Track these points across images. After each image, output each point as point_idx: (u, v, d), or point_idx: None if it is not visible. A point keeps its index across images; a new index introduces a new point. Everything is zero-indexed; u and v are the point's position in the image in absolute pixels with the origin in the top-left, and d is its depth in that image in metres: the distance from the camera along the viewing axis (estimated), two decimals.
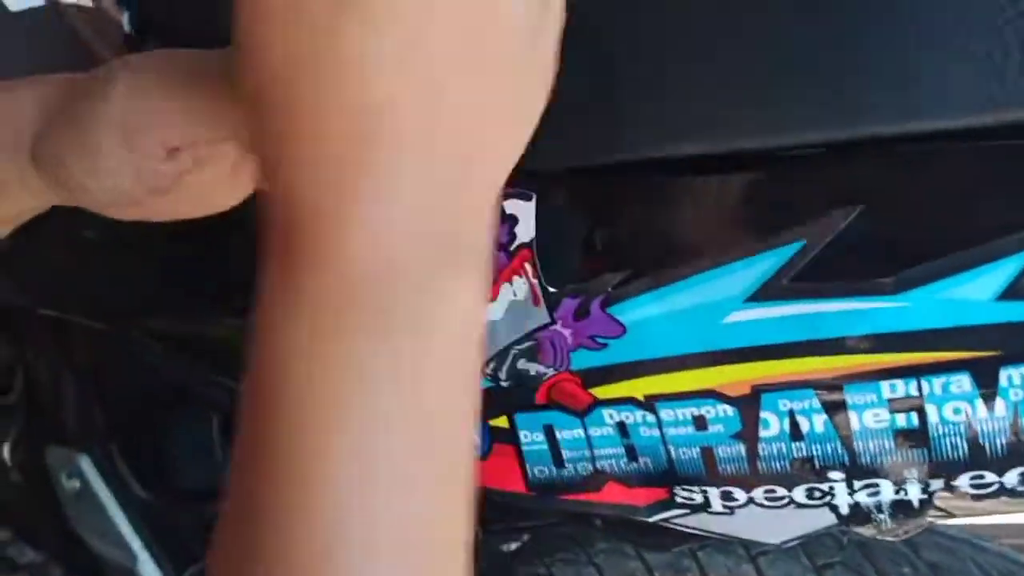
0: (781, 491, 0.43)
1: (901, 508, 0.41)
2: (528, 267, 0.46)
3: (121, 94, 0.40)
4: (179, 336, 0.71)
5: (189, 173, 0.44)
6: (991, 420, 0.39)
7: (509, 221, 0.46)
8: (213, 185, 0.47)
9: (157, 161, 0.42)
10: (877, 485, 0.41)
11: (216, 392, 0.72)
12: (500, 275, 0.47)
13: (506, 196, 0.46)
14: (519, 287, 0.47)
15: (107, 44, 0.84)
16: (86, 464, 0.83)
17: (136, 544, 0.82)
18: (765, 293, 0.41)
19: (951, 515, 0.42)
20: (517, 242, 0.46)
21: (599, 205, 0.46)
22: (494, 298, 0.48)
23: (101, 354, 0.80)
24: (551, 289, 0.46)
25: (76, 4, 0.87)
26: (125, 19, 0.70)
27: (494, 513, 0.54)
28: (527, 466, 0.49)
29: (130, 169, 0.42)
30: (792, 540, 0.44)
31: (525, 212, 0.46)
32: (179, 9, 0.65)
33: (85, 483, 0.83)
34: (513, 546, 0.68)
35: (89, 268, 0.77)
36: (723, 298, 0.42)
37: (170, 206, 0.46)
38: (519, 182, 0.47)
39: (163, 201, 0.45)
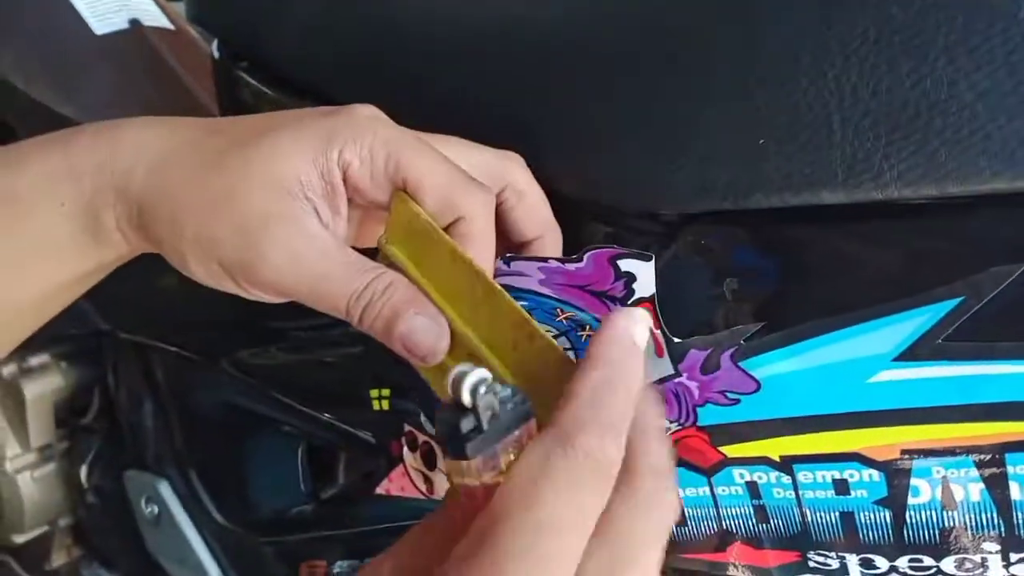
0: (928, 561, 0.41)
1: None
2: (649, 318, 0.44)
3: (275, 265, 0.41)
4: (265, 367, 0.70)
5: None
6: None
7: (626, 277, 0.44)
8: None
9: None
10: None
11: (300, 421, 0.71)
12: None
13: (623, 256, 0.43)
14: (641, 337, 0.45)
15: (193, 69, 0.84)
16: (165, 489, 0.82)
17: (214, 571, 0.82)
18: (917, 352, 0.39)
19: None
20: (635, 296, 0.44)
21: (731, 252, 0.44)
22: None
23: (183, 380, 0.80)
24: (675, 340, 0.44)
25: (159, 27, 0.87)
26: (214, 45, 0.69)
27: None
28: None
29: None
30: None
31: (644, 271, 0.43)
32: (266, 36, 0.64)
33: (164, 508, 0.83)
34: None
35: (174, 296, 0.76)
36: (870, 356, 0.40)
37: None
38: (640, 237, 0.45)
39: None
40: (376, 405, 0.58)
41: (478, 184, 0.44)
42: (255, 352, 0.70)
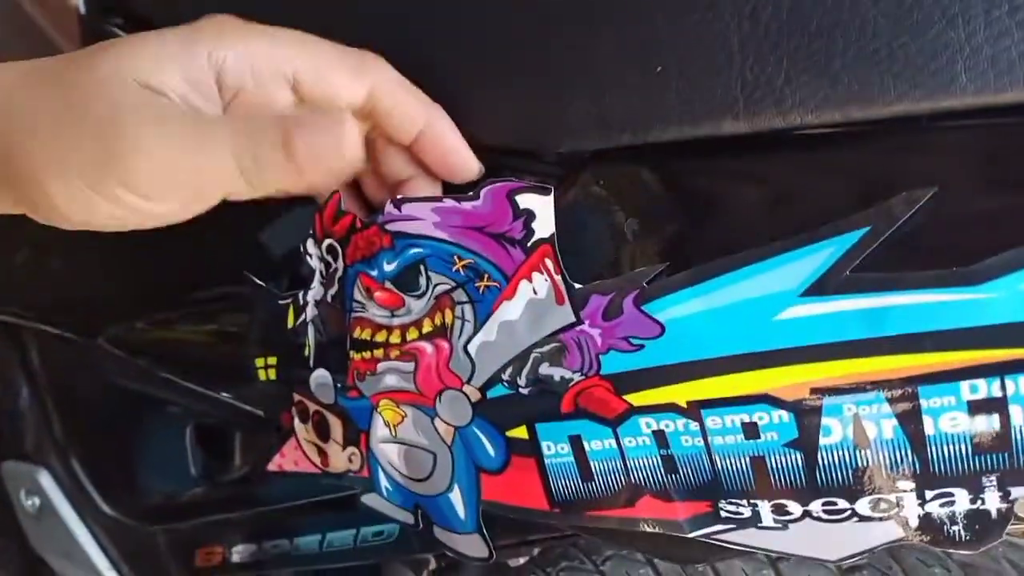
0: (843, 503, 0.39)
1: (978, 519, 0.38)
2: (549, 263, 0.42)
3: (142, 150, 0.38)
4: (147, 342, 0.65)
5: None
6: None
7: (524, 215, 0.41)
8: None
9: (173, 206, 0.41)
10: (951, 494, 0.37)
11: (186, 400, 0.67)
12: (518, 272, 0.42)
13: (521, 190, 0.41)
14: (539, 284, 0.42)
15: (58, 26, 0.79)
16: (46, 480, 0.77)
17: (103, 564, 0.77)
18: (824, 286, 0.37)
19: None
20: (535, 237, 0.42)
21: (629, 192, 0.42)
22: (511, 296, 0.43)
23: (60, 362, 0.74)
24: (576, 286, 0.41)
25: None
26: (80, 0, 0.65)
27: (505, 530, 0.50)
28: (550, 480, 0.44)
29: (136, 213, 0.40)
30: (853, 556, 0.40)
31: (543, 207, 0.41)
32: None
33: (45, 500, 0.77)
34: (521, 560, 0.64)
35: (45, 270, 0.71)
36: (776, 292, 0.38)
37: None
38: (537, 173, 0.43)
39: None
40: (263, 375, 0.54)
41: (367, 52, 0.43)
42: (134, 328, 0.65)
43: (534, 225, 0.41)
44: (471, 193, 0.42)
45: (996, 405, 0.35)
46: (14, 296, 0.74)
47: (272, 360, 0.53)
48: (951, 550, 0.38)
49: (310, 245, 0.49)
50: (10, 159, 0.39)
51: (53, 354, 0.75)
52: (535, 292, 0.42)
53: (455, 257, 0.44)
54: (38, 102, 0.39)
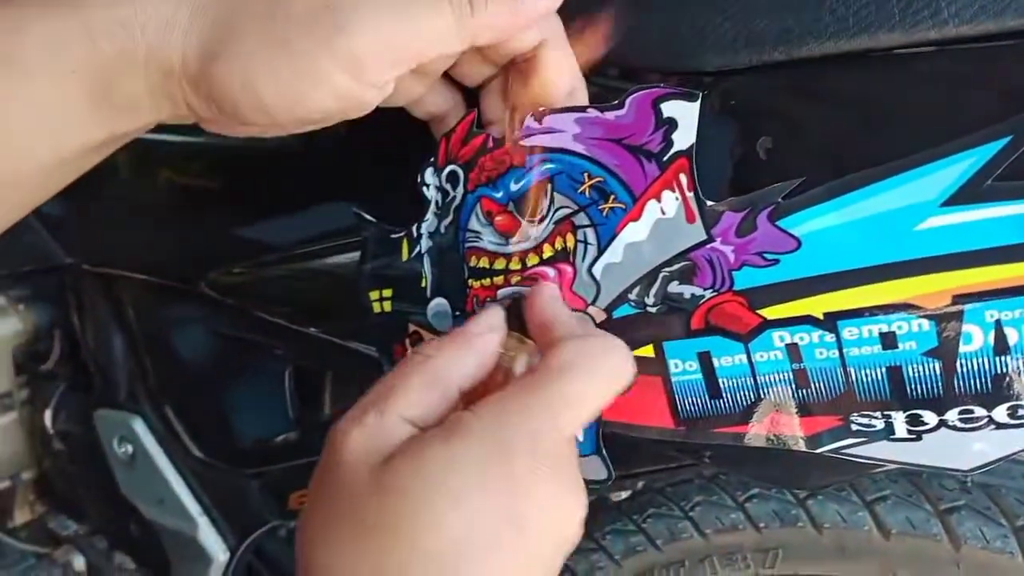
0: (980, 411, 0.40)
1: None
2: (683, 179, 0.42)
3: (359, 27, 0.38)
4: (249, 286, 0.67)
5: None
6: None
7: (667, 125, 0.42)
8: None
9: (376, 91, 0.39)
10: None
11: (290, 342, 0.68)
12: (649, 190, 0.43)
13: (667, 96, 0.42)
14: (668, 203, 0.43)
15: None
16: (139, 427, 0.79)
17: (195, 509, 0.79)
18: (966, 195, 0.38)
19: None
20: (673, 150, 0.42)
21: (763, 108, 0.42)
22: (637, 218, 0.44)
23: (156, 310, 0.76)
24: (708, 203, 0.42)
25: None
26: None
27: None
28: (677, 398, 0.45)
29: (345, 97, 0.39)
30: (987, 465, 0.41)
31: (687, 115, 0.41)
32: None
33: (139, 447, 0.79)
34: (623, 495, 0.65)
35: (143, 219, 0.73)
36: (916, 203, 0.38)
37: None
38: (682, 82, 0.43)
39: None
40: (377, 307, 0.55)
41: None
42: (237, 271, 0.67)
43: (674, 136, 0.42)
44: (616, 102, 0.43)
45: None
46: (112, 250, 0.76)
47: (387, 293, 0.54)
48: None
49: (428, 175, 0.50)
50: (215, 59, 0.39)
51: (148, 305, 0.77)
52: (663, 212, 0.43)
53: (585, 175, 0.44)
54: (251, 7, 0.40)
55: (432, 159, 0.50)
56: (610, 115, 0.43)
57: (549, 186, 0.46)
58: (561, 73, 0.43)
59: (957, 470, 0.41)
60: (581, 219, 0.46)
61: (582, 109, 0.44)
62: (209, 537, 0.78)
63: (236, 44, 0.39)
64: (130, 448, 0.79)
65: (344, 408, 0.71)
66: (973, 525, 0.60)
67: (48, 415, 0.86)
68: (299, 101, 0.39)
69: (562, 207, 0.46)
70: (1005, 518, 0.60)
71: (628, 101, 0.42)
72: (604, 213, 0.45)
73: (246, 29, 0.39)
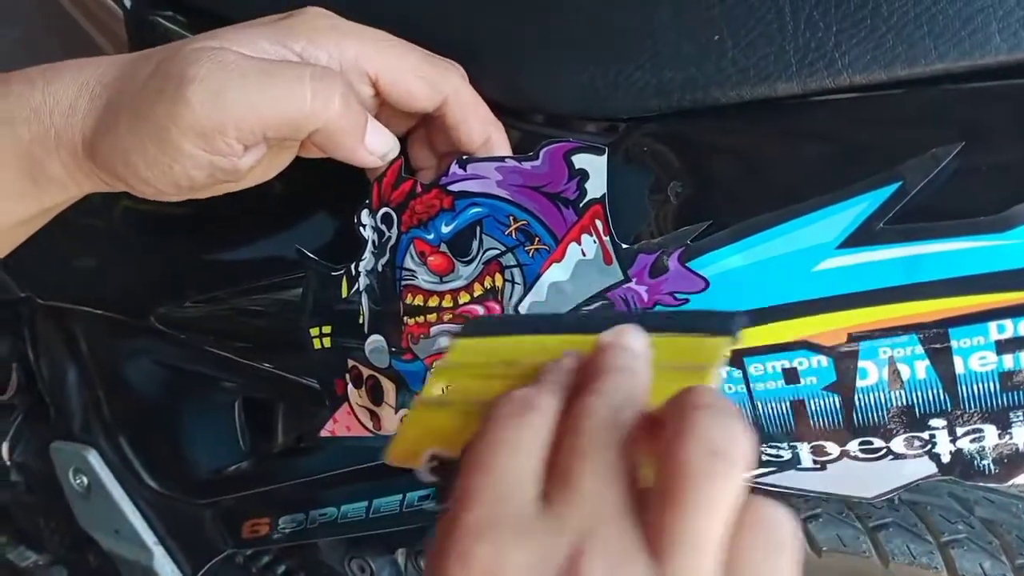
0: (878, 442, 0.42)
1: (1006, 453, 0.40)
2: (599, 224, 0.44)
3: (200, 97, 0.39)
4: (197, 320, 0.68)
5: (259, 162, 0.43)
6: None
7: (579, 176, 0.44)
8: (265, 168, 0.46)
9: (236, 158, 0.41)
10: (981, 431, 0.40)
11: (237, 375, 0.70)
12: (568, 234, 0.45)
13: (576, 150, 0.44)
14: (588, 246, 0.45)
15: (95, 23, 0.81)
16: (94, 459, 0.80)
17: (151, 539, 0.79)
18: (860, 238, 0.40)
19: None
20: (587, 198, 0.44)
21: (672, 154, 0.44)
22: (560, 259, 0.46)
23: (109, 343, 0.77)
24: (624, 246, 0.44)
25: None
26: None
27: None
28: None
29: (207, 166, 0.41)
30: (888, 493, 0.43)
31: (596, 167, 0.44)
32: None
33: (94, 479, 0.80)
34: None
35: (94, 256, 0.74)
36: (814, 245, 0.41)
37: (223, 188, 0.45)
38: (589, 134, 0.45)
39: (224, 185, 0.44)
40: (318, 344, 0.56)
41: (445, 61, 0.45)
42: (185, 305, 0.68)
43: (587, 185, 0.44)
44: (531, 153, 0.45)
45: (1022, 344, 0.38)
46: (63, 284, 0.77)
47: (327, 329, 0.56)
48: (981, 483, 0.40)
49: (364, 216, 0.52)
50: (103, 141, 0.42)
51: (100, 338, 0.78)
52: (584, 253, 0.45)
53: (511, 218, 0.46)
54: (126, 84, 0.42)
55: (367, 201, 0.52)
56: (527, 164, 0.45)
57: (478, 228, 0.48)
58: (471, 126, 0.46)
59: (862, 498, 0.43)
60: (508, 259, 0.48)
61: (501, 159, 0.46)
62: (165, 567, 0.79)
63: (115, 123, 0.41)
64: (85, 480, 0.80)
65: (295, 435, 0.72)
66: (901, 542, 0.62)
67: (5, 447, 0.87)
68: (168, 173, 0.41)
69: (490, 248, 0.48)
70: (931, 535, 0.62)
71: (542, 153, 0.44)
72: (530, 254, 0.47)
73: (123, 108, 0.41)
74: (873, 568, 0.62)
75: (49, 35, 0.84)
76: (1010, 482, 0.40)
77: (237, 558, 0.81)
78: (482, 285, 0.49)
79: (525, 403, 0.31)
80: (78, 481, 0.81)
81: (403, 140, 0.51)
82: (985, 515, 0.62)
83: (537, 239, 0.46)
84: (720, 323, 0.36)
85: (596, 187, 0.44)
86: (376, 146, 0.44)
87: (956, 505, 0.62)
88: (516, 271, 0.48)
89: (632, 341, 0.35)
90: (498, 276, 0.48)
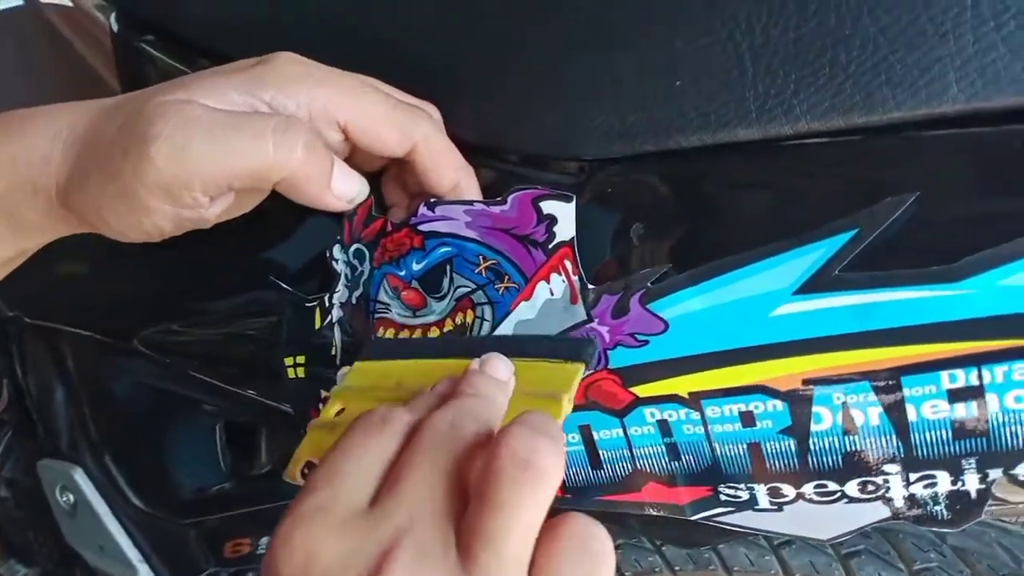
0: (833, 486, 0.42)
1: (959, 499, 0.41)
2: (568, 264, 0.45)
3: (164, 155, 0.40)
4: (179, 344, 0.69)
5: (229, 208, 0.43)
6: None
7: (547, 220, 0.45)
8: (240, 204, 0.46)
9: (203, 209, 0.41)
10: (934, 477, 0.41)
11: (218, 399, 0.70)
12: (537, 273, 0.46)
13: (544, 197, 0.44)
14: (556, 285, 0.45)
15: (90, 44, 0.82)
16: (80, 477, 0.80)
17: (135, 557, 0.80)
18: (815, 284, 0.40)
19: (1009, 504, 0.41)
20: (556, 240, 0.45)
21: (635, 197, 0.45)
22: (528, 297, 0.46)
23: (95, 364, 0.78)
24: (590, 286, 0.45)
25: (54, 3, 0.84)
26: (112, 18, 0.68)
27: None
28: None
29: (174, 218, 0.41)
30: (842, 536, 0.43)
31: (564, 212, 0.44)
32: (166, 9, 0.63)
33: (80, 497, 0.81)
34: None
35: (80, 277, 0.74)
36: (770, 291, 0.41)
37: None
38: (557, 183, 0.46)
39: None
40: (291, 373, 0.57)
41: (417, 109, 0.45)
42: (168, 330, 0.69)
43: (556, 229, 0.44)
44: (499, 199, 0.45)
45: (974, 393, 0.38)
46: (51, 305, 0.78)
47: (301, 359, 0.56)
48: (935, 528, 0.41)
49: (336, 251, 0.53)
50: (78, 190, 0.43)
51: (87, 357, 0.79)
52: (552, 292, 0.46)
53: (480, 257, 0.47)
54: (96, 137, 0.42)
55: (339, 237, 0.52)
56: (495, 209, 0.45)
57: (448, 267, 0.49)
58: (441, 172, 0.46)
59: (817, 539, 0.43)
60: (479, 297, 0.48)
61: (470, 202, 0.46)
62: None
63: (86, 180, 0.42)
64: (72, 497, 0.81)
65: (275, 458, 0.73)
66: (872, 570, 0.62)
67: None
68: (137, 226, 0.42)
69: (461, 285, 0.49)
70: (903, 562, 0.62)
71: (510, 199, 0.45)
72: (500, 292, 0.47)
73: (93, 165, 0.42)
74: None
75: (44, 58, 0.85)
76: (962, 528, 0.40)
77: (221, 575, 0.82)
78: (453, 321, 0.50)
79: (380, 417, 0.35)
80: (65, 499, 0.82)
81: (376, 176, 0.51)
82: (957, 544, 0.62)
83: (507, 277, 0.47)
84: (574, 350, 0.42)
85: (565, 231, 0.44)
86: (343, 191, 0.44)
87: (928, 533, 0.62)
88: (487, 308, 0.48)
89: (494, 369, 0.39)
90: (470, 312, 0.49)
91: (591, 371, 0.44)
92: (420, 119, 0.45)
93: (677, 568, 0.68)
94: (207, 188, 0.41)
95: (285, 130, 0.41)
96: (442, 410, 0.35)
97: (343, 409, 0.44)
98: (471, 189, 0.47)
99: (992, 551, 0.62)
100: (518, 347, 0.43)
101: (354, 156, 0.48)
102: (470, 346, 0.44)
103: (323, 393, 0.56)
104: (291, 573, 0.30)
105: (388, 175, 0.51)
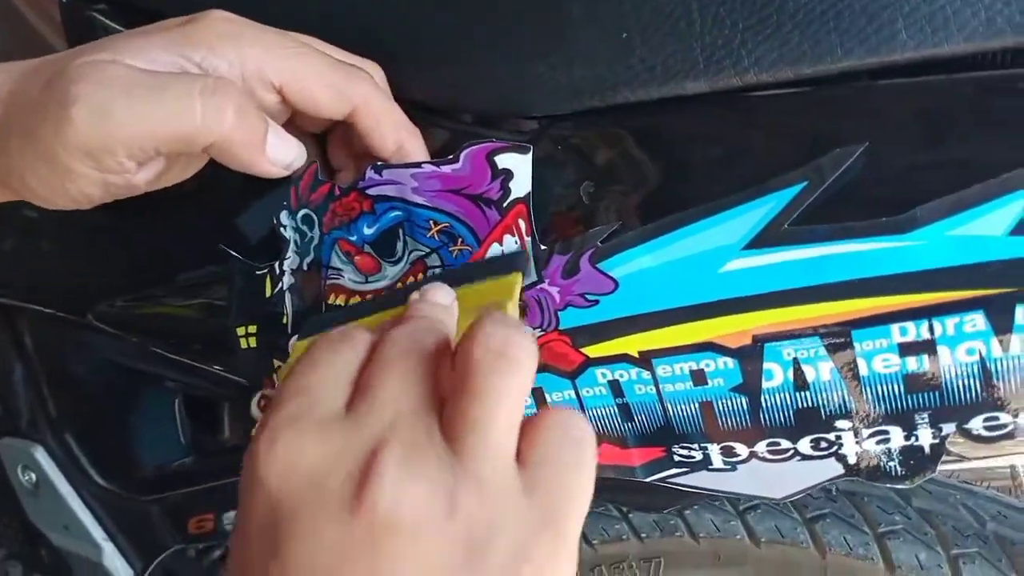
0: (785, 443, 0.42)
1: (912, 454, 0.40)
2: (522, 224, 0.44)
3: (84, 117, 0.38)
4: (133, 318, 0.68)
5: (160, 174, 0.42)
6: (1006, 359, 0.37)
7: (503, 176, 0.43)
8: (177, 172, 0.45)
9: (130, 174, 0.40)
10: (887, 432, 0.40)
11: (175, 372, 0.69)
12: (491, 234, 0.45)
13: (499, 151, 0.43)
14: (509, 247, 0.44)
15: (40, 13, 0.80)
16: (41, 455, 0.79)
17: (99, 535, 0.79)
18: (765, 239, 0.39)
19: (963, 458, 0.40)
20: (511, 197, 0.44)
21: (584, 154, 0.44)
22: (482, 257, 0.45)
23: (52, 340, 0.76)
24: (542, 247, 0.44)
25: None
26: None
27: None
28: None
29: (100, 183, 0.40)
30: (797, 494, 0.43)
31: (521, 166, 0.43)
32: None
33: (41, 475, 0.79)
34: None
35: (34, 251, 0.73)
36: (719, 247, 0.40)
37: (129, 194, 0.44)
38: (513, 135, 0.45)
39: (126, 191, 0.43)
40: (244, 343, 0.56)
41: (356, 69, 0.44)
42: (123, 304, 0.67)
43: (511, 184, 0.43)
44: (451, 157, 0.44)
45: (925, 346, 0.38)
46: (6, 281, 0.76)
47: (252, 329, 0.55)
48: (888, 485, 0.40)
49: (284, 216, 0.51)
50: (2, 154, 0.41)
51: (44, 333, 0.77)
52: (504, 254, 0.45)
53: (431, 222, 0.46)
54: (18, 98, 0.41)
55: (285, 203, 0.51)
56: (446, 168, 0.44)
57: (400, 231, 0.48)
58: (383, 133, 0.45)
59: (771, 498, 0.43)
60: (433, 260, 0.47)
61: (417, 165, 0.45)
62: (115, 562, 0.79)
63: (7, 144, 0.41)
64: (33, 476, 0.79)
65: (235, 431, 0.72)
66: (838, 533, 0.62)
67: None
68: (60, 191, 0.41)
69: (415, 249, 0.48)
70: (868, 525, 0.62)
71: (463, 155, 0.44)
72: (454, 255, 0.46)
73: (14, 128, 0.40)
74: (810, 559, 0.62)
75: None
76: (916, 483, 0.40)
77: (189, 552, 0.81)
78: (404, 285, 0.49)
79: (341, 333, 0.35)
80: (27, 478, 0.81)
81: (322, 139, 0.50)
82: (922, 506, 0.62)
83: (460, 239, 0.46)
84: (507, 264, 0.43)
85: (520, 186, 0.43)
86: (279, 157, 0.43)
87: (893, 496, 0.62)
88: (439, 271, 0.47)
89: (435, 296, 0.40)
90: (421, 276, 0.48)
91: (529, 280, 0.44)
92: (359, 79, 0.44)
93: (644, 535, 0.68)
94: (131, 152, 0.39)
95: (213, 92, 0.39)
96: (398, 328, 0.35)
97: None
98: (416, 150, 0.46)
99: (957, 513, 0.62)
100: (452, 278, 0.43)
101: (295, 119, 0.46)
102: (405, 293, 0.43)
103: (276, 363, 0.55)
104: (276, 479, 0.30)
105: (334, 136, 0.49)
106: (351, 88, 0.44)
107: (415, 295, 0.40)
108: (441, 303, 0.39)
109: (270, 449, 0.31)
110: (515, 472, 0.31)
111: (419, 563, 0.29)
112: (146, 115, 0.39)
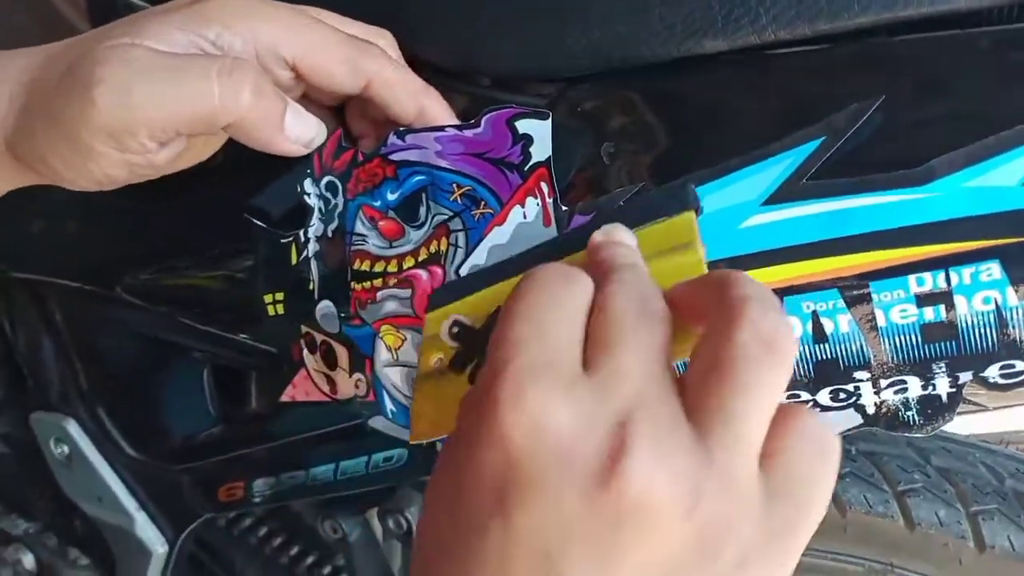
0: (804, 395, 0.42)
1: (929, 403, 0.41)
2: (544, 186, 0.45)
3: (107, 99, 0.39)
4: (161, 290, 0.69)
5: (180, 154, 0.43)
6: (1022, 307, 0.38)
7: (523, 140, 0.44)
8: (197, 152, 0.46)
9: (152, 155, 0.41)
10: (904, 382, 0.41)
11: (203, 342, 0.70)
12: (513, 197, 0.46)
13: (519, 116, 0.44)
14: (531, 209, 0.45)
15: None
16: (73, 428, 0.81)
17: (132, 505, 0.80)
18: (784, 194, 0.40)
19: (981, 407, 0.41)
20: (532, 161, 0.45)
21: (604, 115, 0.45)
22: (502, 223, 0.46)
23: (81, 314, 0.78)
24: (563, 208, 0.45)
25: None
26: None
27: None
28: None
29: (123, 164, 0.41)
30: None
31: (541, 131, 0.44)
32: None
33: (74, 448, 0.81)
34: None
35: (62, 228, 0.74)
36: (739, 203, 0.41)
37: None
38: (533, 96, 0.46)
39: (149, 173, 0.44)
40: (271, 311, 0.57)
41: (367, 44, 0.44)
42: (150, 276, 0.69)
43: (532, 149, 0.44)
44: (472, 121, 0.45)
45: (942, 296, 0.39)
46: (35, 256, 0.78)
47: (279, 296, 0.56)
48: (906, 434, 0.41)
49: (308, 184, 0.52)
50: (30, 137, 0.42)
51: (73, 308, 0.79)
52: (525, 216, 0.46)
53: (454, 185, 0.47)
54: (41, 84, 0.42)
55: (309, 171, 0.52)
56: (468, 133, 0.45)
57: (424, 195, 0.49)
58: (400, 101, 0.45)
59: None
60: (456, 224, 0.48)
61: (440, 128, 0.46)
62: (147, 531, 0.81)
63: (32, 128, 0.42)
64: (66, 449, 0.81)
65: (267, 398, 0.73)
66: (857, 491, 0.63)
67: None
68: (84, 172, 0.42)
69: (439, 213, 0.48)
70: (888, 484, 0.63)
71: (484, 120, 0.44)
72: (476, 218, 0.47)
73: (38, 113, 0.41)
74: (831, 517, 0.63)
75: (15, 10, 0.84)
76: (933, 432, 0.41)
77: (219, 521, 0.83)
78: (428, 249, 0.50)
79: (567, 273, 0.32)
80: (59, 450, 0.82)
81: (341, 108, 0.51)
82: (941, 464, 0.63)
83: (483, 203, 0.47)
84: (678, 201, 0.38)
85: (541, 151, 0.44)
86: (298, 135, 0.44)
87: (913, 454, 0.63)
88: (461, 235, 0.48)
89: (624, 236, 0.36)
90: (444, 240, 0.49)
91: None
92: (371, 53, 0.45)
93: None
94: (153, 133, 0.40)
95: (230, 72, 0.40)
96: (616, 281, 0.32)
97: (441, 357, 0.42)
98: (438, 112, 0.47)
99: (976, 470, 0.62)
100: (621, 220, 0.38)
101: (311, 92, 0.47)
102: (550, 249, 0.41)
103: (304, 329, 0.56)
104: (521, 438, 0.28)
105: (352, 105, 0.50)
106: (364, 62, 0.44)
107: (598, 235, 0.37)
108: (630, 244, 0.36)
109: (517, 404, 0.28)
110: (758, 475, 0.29)
111: (650, 555, 0.27)
112: (167, 97, 0.40)
